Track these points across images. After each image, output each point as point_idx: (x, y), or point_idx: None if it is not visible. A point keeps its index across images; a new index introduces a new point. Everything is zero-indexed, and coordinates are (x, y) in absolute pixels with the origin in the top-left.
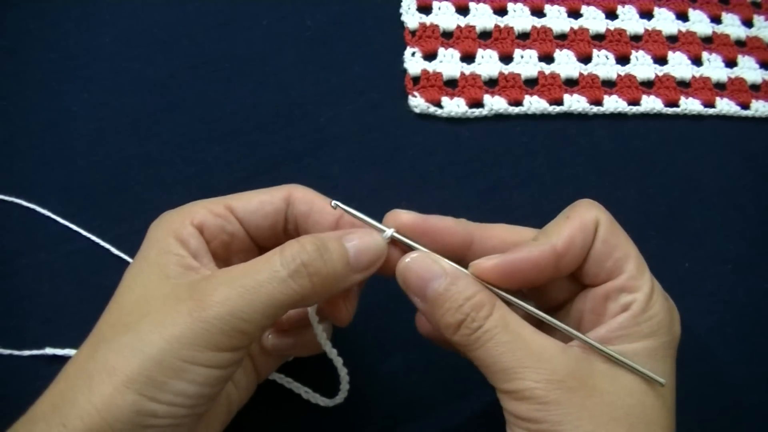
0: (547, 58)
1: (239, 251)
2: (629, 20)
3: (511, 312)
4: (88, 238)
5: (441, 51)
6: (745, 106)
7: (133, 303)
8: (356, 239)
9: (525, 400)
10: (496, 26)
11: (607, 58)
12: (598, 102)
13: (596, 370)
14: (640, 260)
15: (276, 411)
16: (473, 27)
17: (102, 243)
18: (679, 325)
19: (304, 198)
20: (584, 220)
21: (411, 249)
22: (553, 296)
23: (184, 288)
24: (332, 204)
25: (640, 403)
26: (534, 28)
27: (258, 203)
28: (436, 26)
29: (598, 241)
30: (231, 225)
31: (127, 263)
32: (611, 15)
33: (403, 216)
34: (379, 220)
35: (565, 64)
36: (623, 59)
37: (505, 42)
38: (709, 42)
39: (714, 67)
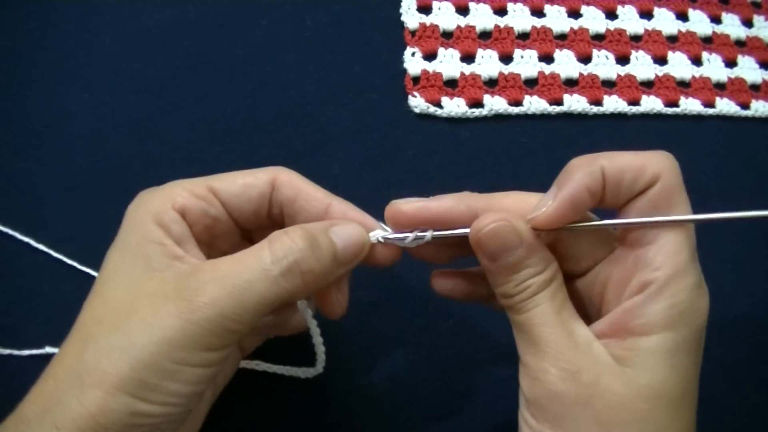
0: (547, 58)
1: (222, 234)
2: (629, 20)
3: (563, 290)
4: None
5: (441, 51)
6: (745, 106)
7: (118, 297)
8: (342, 231)
9: (537, 381)
10: (496, 26)
11: (607, 58)
12: (598, 102)
13: (614, 370)
14: (685, 240)
15: (267, 405)
16: (473, 27)
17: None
18: (704, 317)
19: (289, 183)
20: (647, 164)
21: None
22: (583, 255)
23: (171, 283)
24: (381, 239)
25: (654, 408)
26: (534, 28)
27: (242, 186)
28: (436, 26)
29: (644, 198)
30: (214, 208)
31: None
32: (611, 15)
33: (404, 206)
34: (379, 217)
35: (565, 64)
36: (623, 59)
37: (505, 42)
38: (709, 42)
39: (714, 67)
